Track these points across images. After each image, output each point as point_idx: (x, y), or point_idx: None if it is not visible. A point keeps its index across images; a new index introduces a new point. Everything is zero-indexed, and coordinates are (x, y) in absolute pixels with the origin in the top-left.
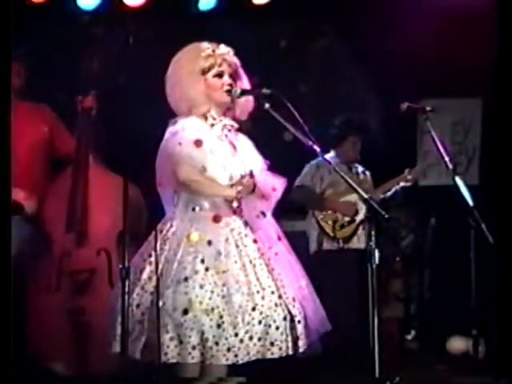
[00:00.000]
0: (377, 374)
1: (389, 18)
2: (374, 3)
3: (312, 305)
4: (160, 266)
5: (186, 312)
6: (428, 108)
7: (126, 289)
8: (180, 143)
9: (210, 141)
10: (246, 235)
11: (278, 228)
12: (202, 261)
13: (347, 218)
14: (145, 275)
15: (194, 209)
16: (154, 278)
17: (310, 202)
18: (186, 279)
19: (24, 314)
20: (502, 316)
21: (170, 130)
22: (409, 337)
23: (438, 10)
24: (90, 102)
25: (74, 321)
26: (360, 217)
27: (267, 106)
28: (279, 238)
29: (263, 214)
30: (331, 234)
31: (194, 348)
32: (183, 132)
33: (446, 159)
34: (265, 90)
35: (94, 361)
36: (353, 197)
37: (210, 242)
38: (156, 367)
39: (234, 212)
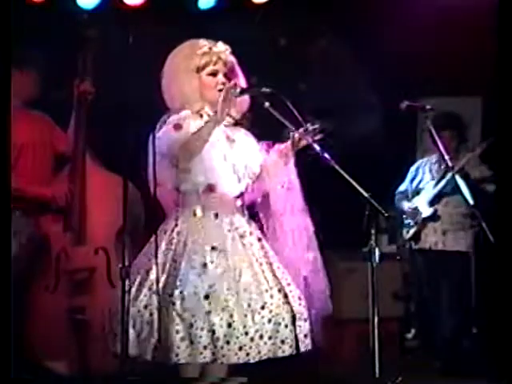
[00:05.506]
0: (377, 374)
1: (388, 17)
2: (373, 2)
3: (318, 280)
4: (167, 267)
5: (195, 312)
6: (428, 106)
7: (126, 288)
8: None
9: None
10: (250, 233)
11: (302, 200)
12: (211, 260)
13: None
14: (152, 276)
15: (196, 209)
16: (162, 279)
17: None
18: (194, 279)
19: (24, 313)
20: (503, 315)
21: (164, 129)
22: (409, 335)
23: (438, 9)
24: (86, 86)
25: (74, 320)
26: None
27: (267, 104)
28: (303, 210)
29: (287, 184)
30: None
31: (205, 348)
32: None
33: (446, 158)
34: (264, 89)
35: (95, 360)
36: None
37: (215, 243)
38: (156, 367)
39: (238, 210)
